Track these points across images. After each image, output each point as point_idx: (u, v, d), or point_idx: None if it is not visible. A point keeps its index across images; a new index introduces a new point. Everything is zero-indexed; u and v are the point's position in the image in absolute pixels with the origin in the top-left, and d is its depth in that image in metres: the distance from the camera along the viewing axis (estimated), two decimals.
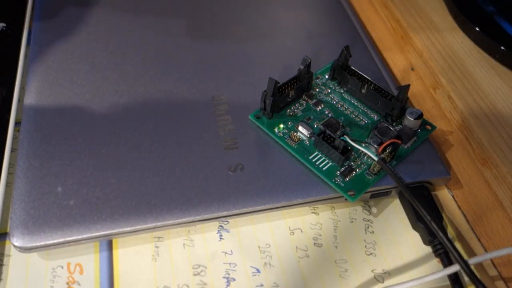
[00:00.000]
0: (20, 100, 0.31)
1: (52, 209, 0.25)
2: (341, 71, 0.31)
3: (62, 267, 0.25)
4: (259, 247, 0.26)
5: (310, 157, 0.27)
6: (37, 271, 0.25)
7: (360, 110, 0.30)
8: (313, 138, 0.28)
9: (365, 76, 0.30)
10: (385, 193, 0.28)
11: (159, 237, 0.26)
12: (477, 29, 0.33)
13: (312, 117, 0.29)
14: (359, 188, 0.26)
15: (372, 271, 0.26)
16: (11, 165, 0.28)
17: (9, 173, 0.28)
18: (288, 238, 0.26)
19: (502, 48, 0.31)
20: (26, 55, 0.33)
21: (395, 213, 0.28)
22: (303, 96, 0.30)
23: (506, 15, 0.32)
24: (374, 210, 0.28)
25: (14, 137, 0.29)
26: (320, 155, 0.27)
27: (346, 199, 0.26)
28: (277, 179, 0.27)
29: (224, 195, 0.26)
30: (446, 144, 0.31)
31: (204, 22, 0.36)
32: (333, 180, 0.26)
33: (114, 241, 0.26)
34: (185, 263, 0.25)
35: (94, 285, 0.24)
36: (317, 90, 0.31)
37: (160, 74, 0.32)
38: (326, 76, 0.32)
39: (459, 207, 0.29)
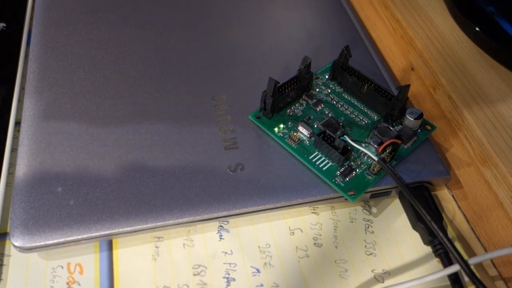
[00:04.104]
0: (20, 100, 0.31)
1: (52, 209, 0.25)
2: (341, 71, 0.31)
3: (62, 267, 0.25)
4: (259, 247, 0.26)
5: (310, 157, 0.27)
6: (37, 271, 0.25)
7: (360, 110, 0.30)
8: (313, 138, 0.28)
9: (365, 76, 0.30)
10: (385, 193, 0.28)
11: (159, 237, 0.26)
12: (477, 29, 0.33)
13: (312, 117, 0.29)
14: (359, 188, 0.26)
15: (372, 271, 0.26)
16: (11, 165, 0.28)
17: (9, 173, 0.28)
18: (288, 238, 0.26)
19: (502, 48, 0.31)
20: (26, 55, 0.33)
21: (395, 213, 0.28)
22: (303, 96, 0.30)
23: (506, 15, 0.32)
24: (374, 210, 0.28)
25: (14, 137, 0.29)
26: (320, 155, 0.27)
27: (346, 199, 0.26)
28: (277, 179, 0.27)
29: (224, 195, 0.26)
30: (446, 144, 0.31)
31: (204, 22, 0.36)
32: (333, 180, 0.26)
33: (114, 241, 0.26)
34: (185, 263, 0.25)
35: (94, 285, 0.24)
36: (317, 90, 0.31)
37: (160, 74, 0.32)
38: (326, 76, 0.32)
39: (459, 207, 0.29)
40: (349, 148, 0.27)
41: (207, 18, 0.36)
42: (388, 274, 0.26)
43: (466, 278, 0.25)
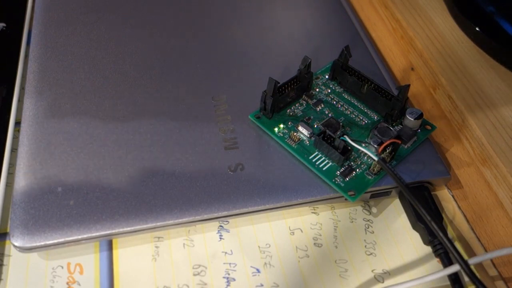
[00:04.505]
0: (20, 100, 0.31)
1: (52, 209, 0.25)
2: (341, 71, 0.31)
3: (62, 267, 0.25)
4: (259, 247, 0.26)
5: (310, 157, 0.27)
6: (37, 271, 0.25)
7: (360, 110, 0.30)
8: (313, 138, 0.28)
9: (365, 76, 0.30)
10: (385, 193, 0.28)
11: (159, 237, 0.26)
12: (477, 29, 0.33)
13: (312, 117, 0.29)
14: (359, 188, 0.26)
15: (372, 271, 0.26)
16: (11, 165, 0.28)
17: (9, 173, 0.28)
18: (288, 238, 0.26)
19: (502, 48, 0.31)
20: (26, 55, 0.33)
21: (395, 213, 0.28)
22: (303, 96, 0.30)
23: (506, 15, 0.32)
24: (374, 210, 0.28)
25: (14, 137, 0.29)
26: (320, 155, 0.27)
27: (346, 199, 0.26)
28: (277, 179, 0.27)
29: (224, 195, 0.26)
30: (446, 144, 0.31)
31: (204, 22, 0.36)
32: (333, 180, 0.26)
33: (114, 241, 0.26)
34: (185, 263, 0.25)
35: (94, 285, 0.24)
36: (317, 90, 0.31)
37: (160, 74, 0.32)
38: (326, 76, 0.32)
39: (459, 207, 0.29)
40: (349, 148, 0.27)
41: (207, 18, 0.36)
42: (388, 274, 0.26)
43: (466, 278, 0.25)
